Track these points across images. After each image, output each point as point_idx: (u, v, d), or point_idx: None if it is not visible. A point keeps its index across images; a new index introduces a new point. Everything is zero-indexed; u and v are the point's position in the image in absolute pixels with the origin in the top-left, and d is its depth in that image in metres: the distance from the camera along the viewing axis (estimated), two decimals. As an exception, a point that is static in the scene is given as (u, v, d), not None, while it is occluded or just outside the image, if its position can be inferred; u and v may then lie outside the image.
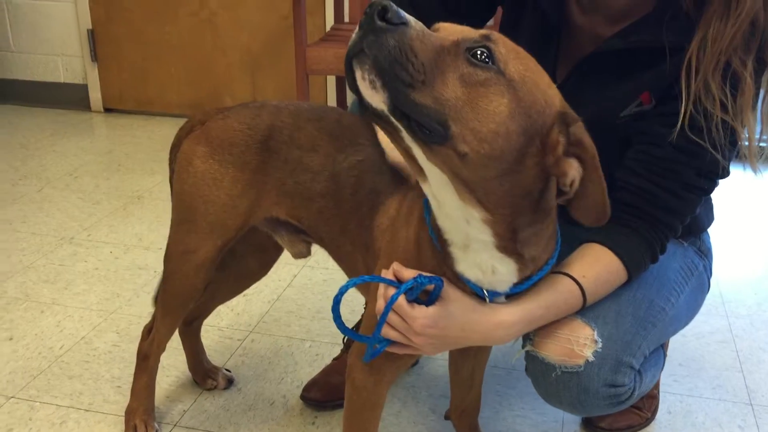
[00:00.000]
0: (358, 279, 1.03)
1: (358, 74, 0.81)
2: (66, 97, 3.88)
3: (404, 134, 0.85)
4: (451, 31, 0.88)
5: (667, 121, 1.12)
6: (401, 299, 1.00)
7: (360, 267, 1.25)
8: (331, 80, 3.50)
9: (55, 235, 2.46)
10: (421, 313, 1.00)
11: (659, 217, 1.15)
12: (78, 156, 3.24)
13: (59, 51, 3.82)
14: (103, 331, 1.92)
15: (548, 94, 0.88)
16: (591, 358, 1.12)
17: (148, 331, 1.52)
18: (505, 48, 0.85)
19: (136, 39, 3.72)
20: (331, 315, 1.04)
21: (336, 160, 1.26)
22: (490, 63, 0.83)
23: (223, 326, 1.96)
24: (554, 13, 1.21)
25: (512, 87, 0.84)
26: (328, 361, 1.75)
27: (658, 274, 1.22)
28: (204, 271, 1.36)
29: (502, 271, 0.99)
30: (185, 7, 3.62)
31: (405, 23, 0.81)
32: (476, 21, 1.27)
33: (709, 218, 1.42)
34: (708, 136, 1.09)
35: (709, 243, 1.44)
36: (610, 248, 1.13)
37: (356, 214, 1.23)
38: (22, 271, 2.22)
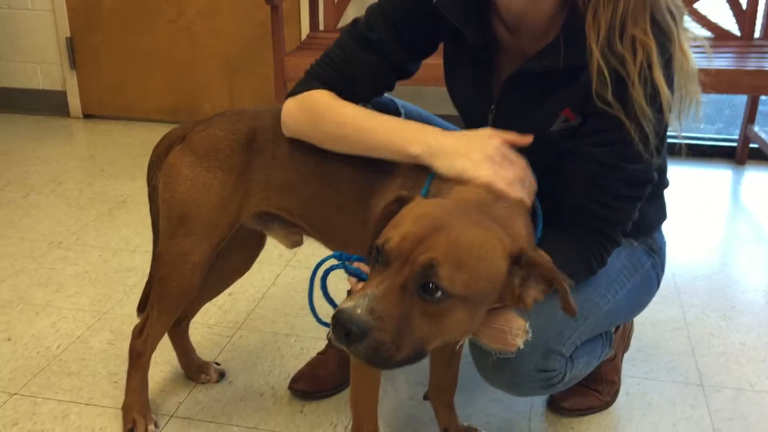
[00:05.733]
0: (329, 256, 1.20)
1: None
2: (45, 104, 3.94)
3: None
4: (397, 247, 1.02)
5: (592, 140, 1.25)
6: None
7: (354, 242, 1.37)
8: (307, 86, 3.61)
9: (44, 240, 2.55)
10: None
11: (598, 228, 1.28)
12: (60, 162, 3.32)
13: (38, 59, 3.89)
14: (98, 331, 2.02)
15: (492, 269, 1.02)
16: (522, 346, 1.25)
17: (139, 330, 1.61)
18: (446, 268, 0.99)
19: (115, 47, 3.80)
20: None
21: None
22: (439, 293, 0.99)
23: (211, 324, 2.07)
24: (481, 42, 1.33)
25: (462, 299, 1.01)
26: (312, 354, 1.86)
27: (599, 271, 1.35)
28: (200, 271, 1.48)
29: None
30: (163, 16, 3.70)
31: (366, 331, 0.97)
32: (425, 50, 1.43)
33: (660, 217, 1.54)
34: (632, 117, 1.19)
35: (662, 241, 1.55)
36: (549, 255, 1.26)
37: (353, 191, 1.36)
38: (14, 275, 2.31)
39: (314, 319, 1.25)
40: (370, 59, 1.39)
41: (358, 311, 0.97)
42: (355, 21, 1.44)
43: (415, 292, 1.00)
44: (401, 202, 1.12)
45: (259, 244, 1.73)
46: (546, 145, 1.31)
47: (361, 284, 1.15)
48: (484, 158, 1.19)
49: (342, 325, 0.97)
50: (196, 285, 1.51)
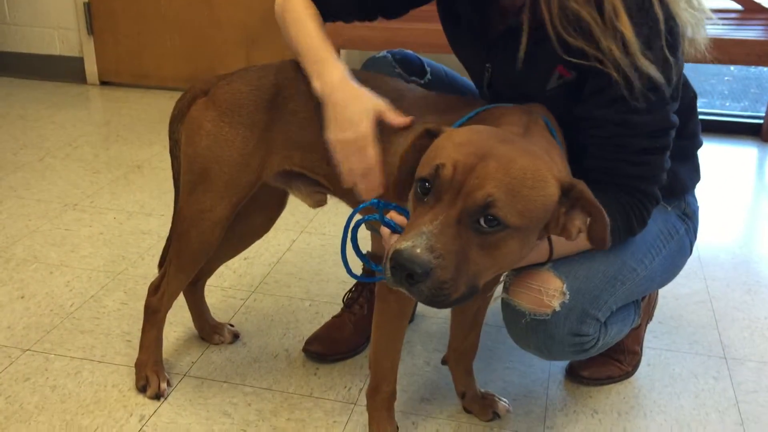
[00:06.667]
0: (366, 203, 1.17)
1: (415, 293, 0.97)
2: (62, 70, 3.92)
3: None
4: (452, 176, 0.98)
5: (596, 102, 1.21)
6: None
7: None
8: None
9: (59, 202, 2.54)
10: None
11: (633, 185, 1.23)
12: (76, 127, 3.30)
13: (55, 24, 3.86)
14: (111, 291, 2.00)
15: (546, 197, 0.99)
16: (558, 309, 1.21)
17: (155, 287, 1.60)
18: (503, 199, 0.95)
19: (132, 13, 3.76)
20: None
21: None
22: (496, 225, 0.96)
23: (225, 287, 2.04)
24: (475, 12, 1.32)
25: (517, 229, 0.97)
26: (327, 318, 1.83)
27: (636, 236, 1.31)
28: (220, 228, 1.45)
29: None
30: (181, -18, 3.66)
31: (429, 271, 0.93)
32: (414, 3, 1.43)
33: (693, 179, 1.49)
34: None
35: (695, 205, 1.50)
36: None
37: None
38: (29, 235, 2.30)
39: (345, 272, 1.21)
40: None
41: (418, 251, 0.93)
42: None
43: (470, 225, 0.96)
44: (431, 135, 1.08)
45: (280, 206, 1.70)
46: (548, 103, 1.28)
47: (395, 236, 1.11)
48: (343, 143, 1.26)
49: (403, 267, 0.93)
50: (215, 242, 1.48)
